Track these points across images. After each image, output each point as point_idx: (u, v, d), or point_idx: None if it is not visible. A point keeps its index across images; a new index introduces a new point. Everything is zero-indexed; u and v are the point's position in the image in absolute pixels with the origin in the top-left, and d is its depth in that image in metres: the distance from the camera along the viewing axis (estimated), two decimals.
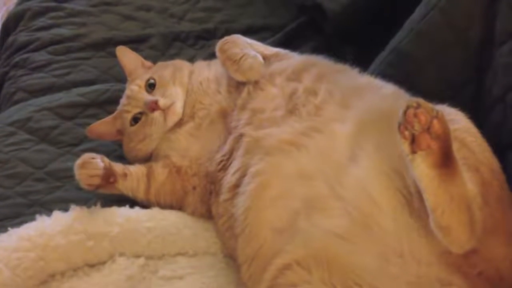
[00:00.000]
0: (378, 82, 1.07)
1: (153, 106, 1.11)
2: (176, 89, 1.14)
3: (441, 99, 0.92)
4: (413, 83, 1.08)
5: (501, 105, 0.98)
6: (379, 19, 1.44)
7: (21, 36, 1.63)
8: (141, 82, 1.16)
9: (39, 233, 0.96)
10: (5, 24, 1.76)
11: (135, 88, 1.16)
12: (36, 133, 1.30)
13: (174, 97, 1.13)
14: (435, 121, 0.76)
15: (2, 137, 1.30)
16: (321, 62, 1.12)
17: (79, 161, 1.04)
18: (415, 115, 0.76)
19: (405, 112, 0.77)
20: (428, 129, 0.76)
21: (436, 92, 1.01)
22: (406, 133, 0.77)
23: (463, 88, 1.06)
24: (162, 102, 1.11)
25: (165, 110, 1.11)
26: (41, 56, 1.55)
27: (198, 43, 1.61)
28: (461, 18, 1.07)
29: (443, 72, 1.09)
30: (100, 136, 1.21)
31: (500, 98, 0.98)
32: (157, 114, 1.11)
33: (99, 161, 1.04)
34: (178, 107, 1.13)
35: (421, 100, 0.77)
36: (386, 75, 1.13)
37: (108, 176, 1.05)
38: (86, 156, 1.05)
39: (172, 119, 1.12)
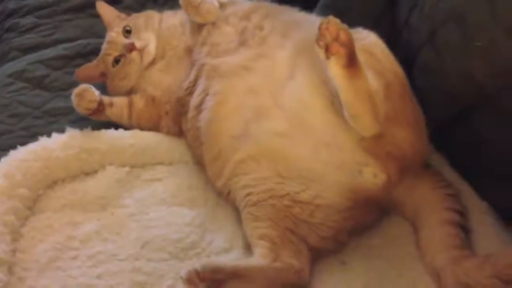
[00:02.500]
0: (312, 17, 1.29)
1: (131, 47, 1.33)
2: (149, 34, 1.36)
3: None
4: (343, 19, 1.31)
5: (406, 28, 1.21)
6: None
7: (10, 5, 1.83)
8: (119, 29, 1.38)
9: (42, 148, 1.20)
10: None
11: (114, 35, 1.38)
12: (31, 81, 1.51)
13: (147, 40, 1.35)
14: (341, 32, 0.98)
15: (2, 87, 1.51)
16: (267, 5, 1.34)
17: (76, 91, 1.27)
18: (326, 28, 0.98)
19: (319, 27, 1.00)
20: (336, 39, 0.98)
21: (363, 26, 1.23)
22: (321, 43, 0.99)
23: (381, 18, 1.30)
24: (138, 43, 1.33)
25: (140, 51, 1.33)
26: (29, 20, 1.75)
27: (168, 3, 1.82)
28: None
29: (366, 7, 1.32)
30: (86, 79, 1.42)
31: (405, 22, 1.21)
32: (134, 54, 1.33)
33: (94, 90, 1.26)
34: (152, 48, 1.35)
35: (331, 17, 0.99)
36: (323, 15, 1.35)
37: (98, 105, 1.28)
38: (82, 86, 1.27)
39: (147, 58, 1.34)
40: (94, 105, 1.26)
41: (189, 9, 1.32)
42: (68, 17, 1.75)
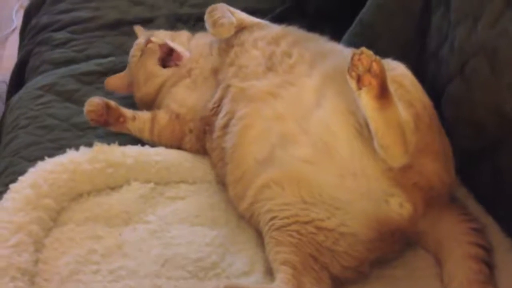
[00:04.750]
0: (340, 47, 1.31)
1: (148, 41, 1.40)
2: (173, 43, 1.41)
3: (395, 59, 1.16)
4: (372, 48, 1.32)
5: (434, 60, 1.22)
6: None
7: (44, 19, 1.88)
8: (145, 36, 1.45)
9: (69, 161, 1.21)
10: (28, 9, 2.02)
11: (140, 40, 1.45)
12: (61, 95, 1.54)
13: (167, 41, 1.41)
14: (374, 64, 0.99)
15: (31, 99, 1.54)
16: (296, 32, 1.36)
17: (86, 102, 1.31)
18: (359, 60, 0.99)
19: (352, 58, 1.00)
20: (369, 70, 0.99)
21: (391, 54, 1.24)
22: (353, 73, 1.00)
23: (410, 48, 1.30)
24: (154, 39, 1.40)
25: (160, 45, 1.39)
26: (61, 35, 1.79)
27: (198, 24, 1.84)
28: None
29: (395, 37, 1.33)
30: (115, 88, 1.46)
31: (433, 54, 1.22)
32: (151, 44, 1.39)
33: (96, 99, 1.30)
34: (171, 44, 1.39)
35: (364, 48, 1.00)
36: (352, 43, 1.36)
37: (118, 116, 1.31)
38: (91, 98, 1.31)
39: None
40: (91, 116, 1.29)
41: (208, 23, 1.36)
42: (100, 34, 1.79)
